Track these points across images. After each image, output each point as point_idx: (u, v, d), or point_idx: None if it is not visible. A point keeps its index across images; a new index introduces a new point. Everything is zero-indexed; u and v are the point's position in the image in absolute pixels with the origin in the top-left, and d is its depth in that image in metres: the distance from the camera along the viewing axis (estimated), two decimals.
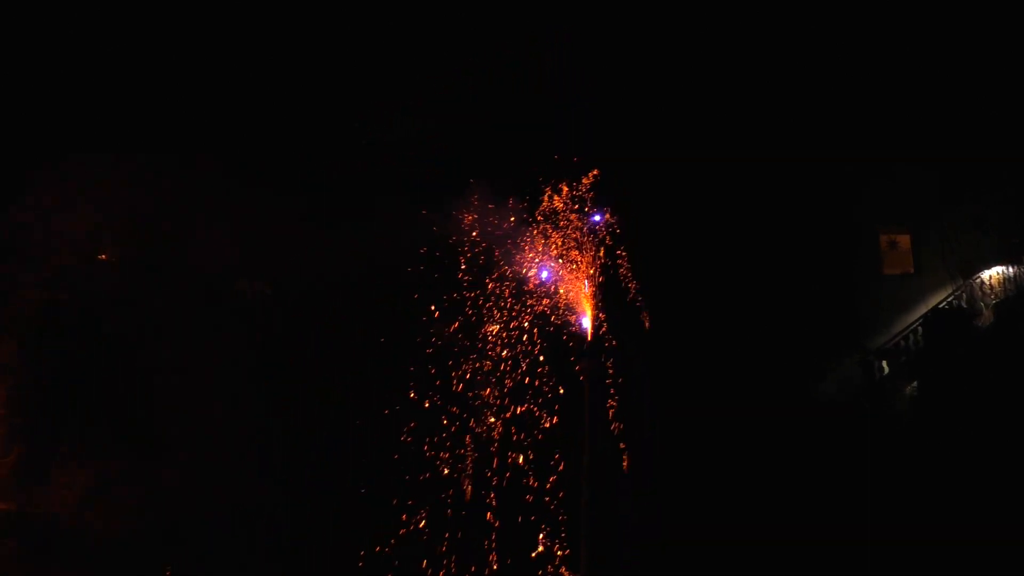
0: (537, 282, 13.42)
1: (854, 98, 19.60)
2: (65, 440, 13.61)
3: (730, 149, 18.77)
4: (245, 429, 13.60)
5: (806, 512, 15.06)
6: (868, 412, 18.30)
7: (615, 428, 13.62)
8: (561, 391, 13.54)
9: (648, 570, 13.69)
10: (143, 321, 13.82)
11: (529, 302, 13.50)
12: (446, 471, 12.82)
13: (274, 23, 15.84)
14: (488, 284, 13.45)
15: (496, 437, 13.11)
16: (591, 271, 13.59)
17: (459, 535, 12.49)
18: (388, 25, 16.28)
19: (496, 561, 12.42)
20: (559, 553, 12.69)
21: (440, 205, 14.01)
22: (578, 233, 13.52)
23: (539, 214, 13.59)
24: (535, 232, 13.49)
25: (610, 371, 13.76)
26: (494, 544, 12.47)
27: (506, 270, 13.46)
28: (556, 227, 13.52)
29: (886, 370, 19.39)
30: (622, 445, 13.68)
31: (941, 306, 19.88)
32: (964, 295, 19.94)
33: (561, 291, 13.40)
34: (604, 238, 13.81)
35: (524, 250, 13.44)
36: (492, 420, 13.09)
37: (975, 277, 20.04)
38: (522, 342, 13.55)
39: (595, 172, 13.57)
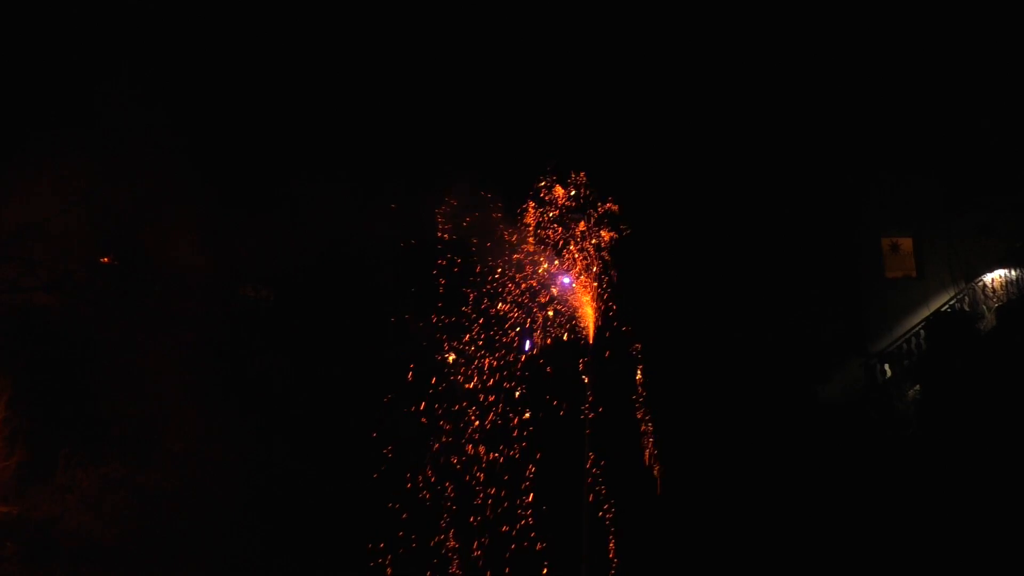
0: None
1: (857, 103, 19.60)
2: (66, 443, 13.58)
3: (735, 154, 18.79)
4: (244, 431, 13.62)
5: (809, 514, 15.07)
6: (871, 415, 18.30)
7: (616, 429, 13.61)
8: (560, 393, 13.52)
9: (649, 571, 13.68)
10: (143, 324, 13.81)
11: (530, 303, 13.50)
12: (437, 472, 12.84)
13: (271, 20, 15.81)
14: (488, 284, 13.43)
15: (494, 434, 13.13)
16: (593, 278, 13.61)
17: (458, 536, 12.51)
18: (379, 18, 16.25)
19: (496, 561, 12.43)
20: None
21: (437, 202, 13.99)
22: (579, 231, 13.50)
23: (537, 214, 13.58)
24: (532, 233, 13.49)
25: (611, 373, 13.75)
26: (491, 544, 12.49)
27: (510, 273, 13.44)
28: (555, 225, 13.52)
29: (889, 373, 19.37)
30: (623, 447, 13.67)
31: (943, 309, 19.86)
32: (966, 299, 19.94)
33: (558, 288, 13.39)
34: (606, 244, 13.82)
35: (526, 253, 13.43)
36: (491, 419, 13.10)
37: (977, 281, 20.04)
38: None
39: (583, 174, 13.53)
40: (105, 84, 13.87)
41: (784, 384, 17.80)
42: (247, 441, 13.58)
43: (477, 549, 12.34)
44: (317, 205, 14.56)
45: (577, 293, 13.46)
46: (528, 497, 12.75)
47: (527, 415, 13.16)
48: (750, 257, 18.74)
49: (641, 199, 16.24)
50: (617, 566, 12.76)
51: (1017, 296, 19.65)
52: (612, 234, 13.62)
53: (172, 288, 14.08)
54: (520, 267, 13.38)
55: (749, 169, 18.89)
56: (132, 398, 13.51)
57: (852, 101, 19.56)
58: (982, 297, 19.93)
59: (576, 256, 13.49)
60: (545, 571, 12.43)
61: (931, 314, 19.82)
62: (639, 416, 13.79)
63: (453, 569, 12.29)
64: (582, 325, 13.63)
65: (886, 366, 19.39)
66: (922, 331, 19.53)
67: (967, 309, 19.80)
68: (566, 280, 13.36)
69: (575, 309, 13.47)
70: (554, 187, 13.48)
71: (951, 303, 19.94)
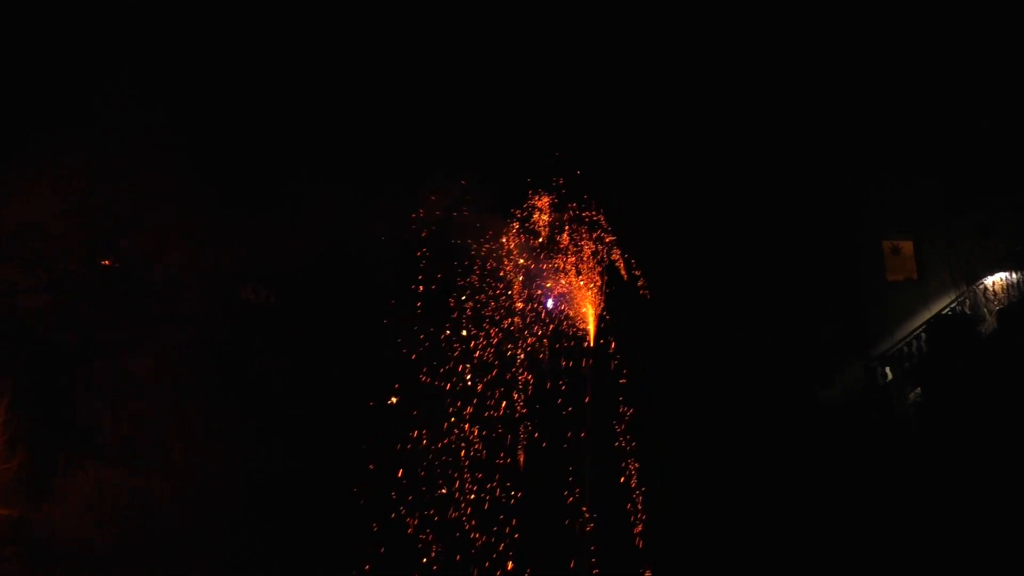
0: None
1: (858, 105, 19.61)
2: (66, 446, 13.58)
3: (736, 156, 18.79)
4: (244, 431, 13.62)
5: (810, 516, 15.03)
6: (871, 418, 18.29)
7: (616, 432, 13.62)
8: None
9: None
10: (142, 325, 13.82)
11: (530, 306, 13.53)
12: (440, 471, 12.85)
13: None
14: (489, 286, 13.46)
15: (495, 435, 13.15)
16: (594, 280, 13.63)
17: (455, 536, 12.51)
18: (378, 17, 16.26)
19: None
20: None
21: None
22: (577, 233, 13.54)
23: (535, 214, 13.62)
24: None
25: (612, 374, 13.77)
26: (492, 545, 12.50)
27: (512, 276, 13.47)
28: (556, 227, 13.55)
29: (890, 376, 19.36)
30: (625, 449, 13.68)
31: (944, 312, 19.86)
32: (967, 301, 19.94)
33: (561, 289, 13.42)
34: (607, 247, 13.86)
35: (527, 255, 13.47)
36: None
37: (978, 283, 20.06)
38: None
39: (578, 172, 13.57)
40: (104, 84, 13.89)
41: (785, 385, 17.76)
42: (247, 441, 13.57)
43: (477, 548, 12.35)
44: (316, 205, 14.58)
45: (577, 294, 13.48)
46: (527, 497, 12.76)
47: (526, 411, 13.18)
48: (750, 258, 18.72)
49: (641, 199, 16.33)
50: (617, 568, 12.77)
51: (1018, 299, 19.68)
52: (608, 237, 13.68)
53: (172, 289, 14.08)
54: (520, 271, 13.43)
55: (749, 170, 18.88)
56: (132, 400, 13.50)
57: (852, 102, 19.56)
58: (983, 300, 19.94)
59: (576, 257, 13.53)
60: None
61: (932, 317, 19.82)
62: (639, 416, 13.79)
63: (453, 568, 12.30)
64: (583, 326, 13.65)
65: (887, 368, 19.38)
66: (923, 334, 19.51)
67: (968, 312, 19.80)
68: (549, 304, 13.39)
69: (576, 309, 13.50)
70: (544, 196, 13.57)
71: (952, 306, 19.95)
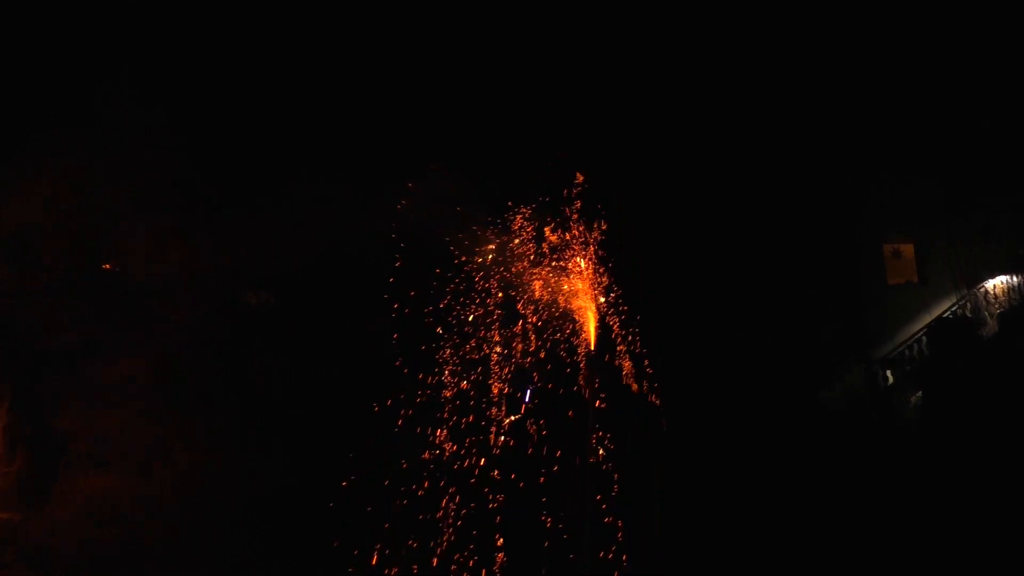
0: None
1: (858, 107, 19.64)
2: (67, 449, 13.57)
3: (736, 159, 18.82)
4: (244, 432, 13.62)
5: (810, 519, 15.00)
6: (872, 421, 18.28)
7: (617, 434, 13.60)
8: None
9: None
10: (142, 326, 13.82)
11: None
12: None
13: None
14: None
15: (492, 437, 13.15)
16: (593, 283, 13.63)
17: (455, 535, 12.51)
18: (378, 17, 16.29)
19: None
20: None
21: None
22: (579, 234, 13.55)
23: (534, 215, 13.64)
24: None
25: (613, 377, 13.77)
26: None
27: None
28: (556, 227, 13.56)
29: (890, 379, 19.36)
30: (626, 450, 13.66)
31: (945, 316, 19.88)
32: (968, 304, 19.95)
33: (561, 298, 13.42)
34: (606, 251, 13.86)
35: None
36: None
37: (979, 287, 20.05)
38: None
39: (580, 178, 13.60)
40: (104, 84, 13.92)
41: (785, 387, 17.76)
42: (247, 441, 13.57)
43: (477, 547, 12.34)
44: (316, 205, 14.60)
45: (578, 296, 13.49)
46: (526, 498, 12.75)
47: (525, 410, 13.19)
48: (751, 259, 18.74)
49: (642, 200, 16.35)
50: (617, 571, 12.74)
51: (1019, 302, 19.65)
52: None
53: (171, 290, 14.09)
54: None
55: (750, 171, 18.90)
56: (131, 400, 13.49)
57: (853, 103, 19.59)
58: (984, 303, 19.94)
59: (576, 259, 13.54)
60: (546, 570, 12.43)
61: (933, 320, 19.84)
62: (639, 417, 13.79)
63: (453, 568, 12.28)
64: (583, 329, 13.65)
65: (888, 372, 19.40)
66: (924, 337, 19.53)
67: (969, 315, 19.80)
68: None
69: (575, 313, 13.50)
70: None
71: (953, 309, 19.96)
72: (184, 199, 14.29)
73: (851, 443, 17.13)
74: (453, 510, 12.45)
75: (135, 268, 14.17)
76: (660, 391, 14.33)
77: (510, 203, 13.68)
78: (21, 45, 13.59)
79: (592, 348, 13.66)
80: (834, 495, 15.62)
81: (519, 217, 13.65)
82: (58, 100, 13.64)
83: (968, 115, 19.84)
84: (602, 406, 13.14)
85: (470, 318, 13.37)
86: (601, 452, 13.02)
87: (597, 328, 13.66)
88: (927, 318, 19.93)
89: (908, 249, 20.92)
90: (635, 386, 13.97)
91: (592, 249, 13.79)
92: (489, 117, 16.03)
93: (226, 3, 15.32)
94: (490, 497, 12.68)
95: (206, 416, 13.59)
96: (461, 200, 13.74)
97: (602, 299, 13.57)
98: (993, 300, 19.89)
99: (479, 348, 13.36)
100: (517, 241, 13.54)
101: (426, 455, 12.80)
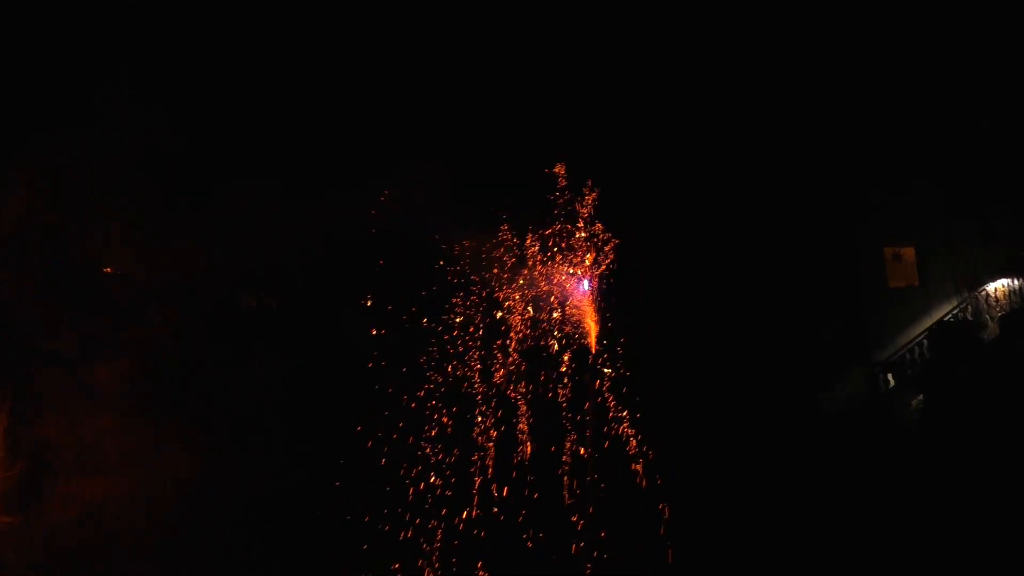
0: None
1: (860, 110, 19.67)
2: (67, 452, 13.57)
3: (737, 161, 18.85)
4: (244, 432, 13.64)
5: (811, 523, 15.00)
6: (874, 424, 18.26)
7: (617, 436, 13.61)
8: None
9: None
10: (141, 327, 13.84)
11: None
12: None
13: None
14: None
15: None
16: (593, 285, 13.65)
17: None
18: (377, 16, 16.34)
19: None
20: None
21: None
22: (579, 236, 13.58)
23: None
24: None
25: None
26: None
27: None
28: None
29: (892, 383, 19.35)
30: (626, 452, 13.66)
31: (946, 319, 19.85)
32: (969, 308, 19.92)
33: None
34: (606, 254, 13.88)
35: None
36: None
37: (980, 290, 20.02)
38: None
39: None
40: (98, 84, 13.96)
41: (786, 390, 17.75)
42: (247, 442, 13.59)
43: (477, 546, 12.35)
44: (314, 205, 14.65)
45: (577, 297, 13.50)
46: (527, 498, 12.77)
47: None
48: (753, 266, 18.74)
49: (644, 201, 16.37)
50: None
51: (1020, 305, 19.62)
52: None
53: (169, 292, 14.13)
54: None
55: (751, 174, 18.93)
56: (131, 401, 13.51)
57: (854, 107, 19.62)
58: (985, 306, 19.91)
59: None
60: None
61: (934, 323, 19.81)
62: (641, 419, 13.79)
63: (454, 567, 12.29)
64: (584, 330, 13.67)
65: (889, 375, 19.38)
66: (925, 340, 19.50)
67: (970, 318, 19.78)
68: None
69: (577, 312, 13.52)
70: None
71: (954, 312, 19.93)
72: (174, 199, 14.33)
73: (852, 446, 17.12)
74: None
75: (130, 269, 14.20)
76: (661, 393, 14.33)
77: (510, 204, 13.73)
78: (21, 45, 13.65)
79: (592, 352, 13.67)
80: (835, 498, 15.62)
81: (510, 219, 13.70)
82: (56, 100, 13.69)
83: (969, 118, 19.89)
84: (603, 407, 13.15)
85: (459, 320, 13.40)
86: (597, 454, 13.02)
87: (598, 330, 13.68)
88: (928, 321, 19.91)
89: (909, 252, 20.89)
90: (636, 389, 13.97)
91: (593, 252, 13.83)
92: (488, 117, 16.09)
93: (225, 3, 15.37)
94: (494, 496, 12.71)
95: (207, 416, 13.61)
96: (456, 199, 13.80)
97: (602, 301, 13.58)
98: (994, 303, 19.86)
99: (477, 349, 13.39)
100: (516, 241, 13.57)
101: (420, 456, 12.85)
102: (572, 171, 13.73)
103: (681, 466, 14.52)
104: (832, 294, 19.61)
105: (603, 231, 13.72)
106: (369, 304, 13.79)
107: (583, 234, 13.65)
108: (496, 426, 13.18)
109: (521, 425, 13.35)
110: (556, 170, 13.75)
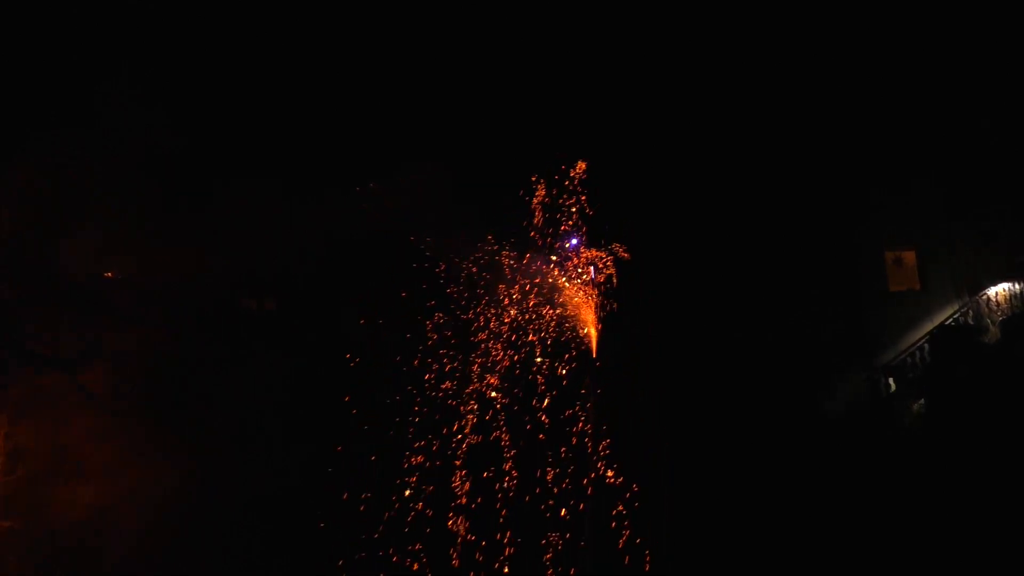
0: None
1: (860, 112, 19.69)
2: (68, 456, 13.57)
3: (738, 163, 18.86)
4: (244, 432, 13.65)
5: (812, 527, 14.95)
6: (875, 429, 18.22)
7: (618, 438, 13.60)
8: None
9: None
10: (142, 329, 13.87)
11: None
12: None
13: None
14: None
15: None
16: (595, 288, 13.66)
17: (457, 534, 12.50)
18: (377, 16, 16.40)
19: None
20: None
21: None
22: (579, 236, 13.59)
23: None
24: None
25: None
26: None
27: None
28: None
29: (893, 387, 19.30)
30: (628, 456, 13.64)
31: (947, 323, 19.81)
32: (970, 311, 19.90)
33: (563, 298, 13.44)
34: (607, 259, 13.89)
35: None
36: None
37: (981, 294, 20.00)
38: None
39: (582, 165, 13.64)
40: (98, 84, 14.03)
41: (786, 393, 17.72)
42: (246, 442, 13.60)
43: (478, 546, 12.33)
44: (313, 205, 14.69)
45: (577, 299, 13.51)
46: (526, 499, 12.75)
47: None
48: (753, 270, 18.74)
49: (644, 201, 16.40)
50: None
51: (1021, 309, 19.62)
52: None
53: (171, 293, 14.17)
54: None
55: (751, 176, 18.94)
56: (130, 401, 13.53)
57: (855, 109, 19.64)
58: (986, 310, 19.90)
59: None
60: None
61: (935, 327, 19.75)
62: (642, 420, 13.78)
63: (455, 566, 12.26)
64: (584, 332, 13.67)
65: (890, 379, 19.33)
66: (926, 344, 19.44)
67: (971, 322, 19.77)
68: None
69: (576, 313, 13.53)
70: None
71: (955, 316, 19.90)
72: (174, 200, 14.38)
73: (853, 450, 17.08)
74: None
75: (129, 271, 14.25)
76: (661, 394, 14.32)
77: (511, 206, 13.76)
78: (21, 45, 13.72)
79: (594, 355, 13.68)
80: (836, 502, 15.57)
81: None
82: (56, 100, 13.75)
83: (969, 120, 19.90)
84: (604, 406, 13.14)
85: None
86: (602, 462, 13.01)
87: (599, 332, 13.69)
88: (929, 325, 19.86)
89: (910, 256, 20.87)
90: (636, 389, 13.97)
91: (594, 253, 13.85)
92: (488, 117, 16.14)
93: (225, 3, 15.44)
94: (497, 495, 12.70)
95: (205, 417, 13.62)
96: (456, 199, 13.84)
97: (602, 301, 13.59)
98: (995, 307, 19.86)
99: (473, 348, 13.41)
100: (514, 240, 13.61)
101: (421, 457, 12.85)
102: (572, 171, 13.76)
103: (681, 466, 14.52)
104: (832, 294, 19.59)
105: (603, 232, 13.74)
106: (369, 304, 13.81)
107: (584, 236, 13.67)
108: (496, 426, 13.17)
109: (521, 425, 13.35)
110: (556, 170, 13.80)
